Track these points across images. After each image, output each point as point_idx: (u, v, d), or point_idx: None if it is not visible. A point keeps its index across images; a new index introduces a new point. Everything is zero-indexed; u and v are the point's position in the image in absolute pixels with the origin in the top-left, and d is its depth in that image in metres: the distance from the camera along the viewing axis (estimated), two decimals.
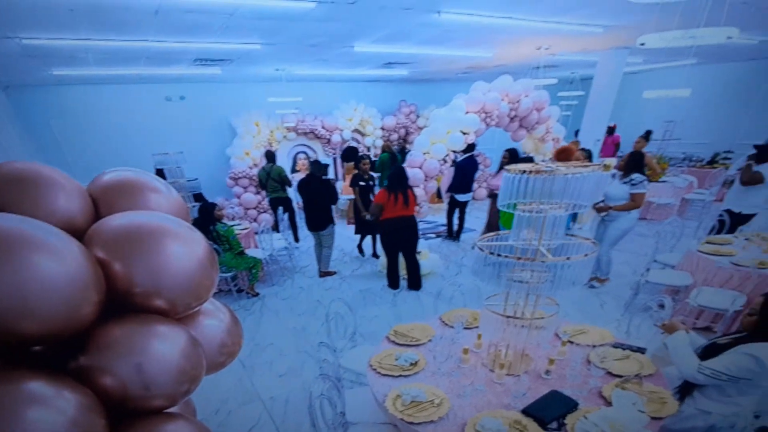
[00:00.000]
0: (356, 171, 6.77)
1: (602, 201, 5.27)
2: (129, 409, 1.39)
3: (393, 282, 6.07)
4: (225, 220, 6.51)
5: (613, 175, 5.92)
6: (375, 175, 10.40)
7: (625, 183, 5.06)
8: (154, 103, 9.66)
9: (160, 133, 9.69)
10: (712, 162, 10.38)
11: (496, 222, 6.34)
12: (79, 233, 1.36)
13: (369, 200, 6.20)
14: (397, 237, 5.69)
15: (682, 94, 6.48)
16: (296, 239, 8.62)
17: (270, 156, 8.28)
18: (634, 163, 5.09)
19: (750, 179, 5.36)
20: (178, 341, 1.45)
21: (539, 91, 6.55)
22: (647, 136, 8.06)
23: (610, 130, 10.23)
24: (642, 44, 4.32)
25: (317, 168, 6.19)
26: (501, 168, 6.36)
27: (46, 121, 8.71)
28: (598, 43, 7.20)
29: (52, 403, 1.13)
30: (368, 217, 6.21)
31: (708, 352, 2.53)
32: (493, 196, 6.49)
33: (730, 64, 11.13)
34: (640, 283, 4.92)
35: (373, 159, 11.46)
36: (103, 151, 9.15)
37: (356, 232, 7.18)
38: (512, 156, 6.14)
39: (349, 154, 7.17)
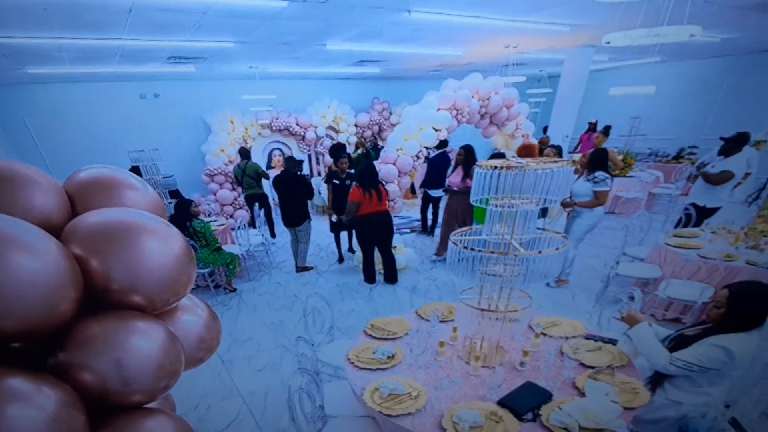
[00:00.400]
0: (335, 168, 6.62)
1: (569, 197, 5.30)
2: (109, 405, 1.40)
3: (369, 276, 6.11)
4: (201, 217, 6.48)
5: (576, 171, 6.00)
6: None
7: (588, 180, 5.07)
8: (128, 101, 9.63)
9: (135, 130, 9.69)
10: (677, 157, 10.62)
11: (453, 218, 6.39)
12: (56, 230, 1.37)
13: (342, 200, 6.13)
14: (372, 232, 5.74)
15: (647, 91, 6.66)
16: (273, 235, 8.61)
17: (244, 153, 8.27)
18: (598, 161, 5.10)
19: (720, 179, 5.41)
20: (157, 337, 1.47)
21: (508, 89, 6.64)
22: (606, 131, 8.03)
23: (592, 127, 10.33)
24: (607, 42, 4.40)
25: (292, 164, 6.20)
26: (457, 165, 6.38)
27: (21, 120, 8.63)
28: (565, 42, 7.35)
29: (33, 400, 1.14)
30: (334, 217, 6.27)
31: (676, 344, 2.58)
32: (448, 191, 6.50)
33: (693, 62, 11.39)
34: (610, 275, 5.02)
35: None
36: (78, 148, 9.11)
37: (331, 230, 7.09)
38: (468, 153, 6.15)
39: (332, 151, 7.07)
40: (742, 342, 2.31)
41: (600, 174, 4.99)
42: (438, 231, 7.88)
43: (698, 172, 5.75)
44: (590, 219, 5.23)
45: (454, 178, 6.34)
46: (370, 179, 5.50)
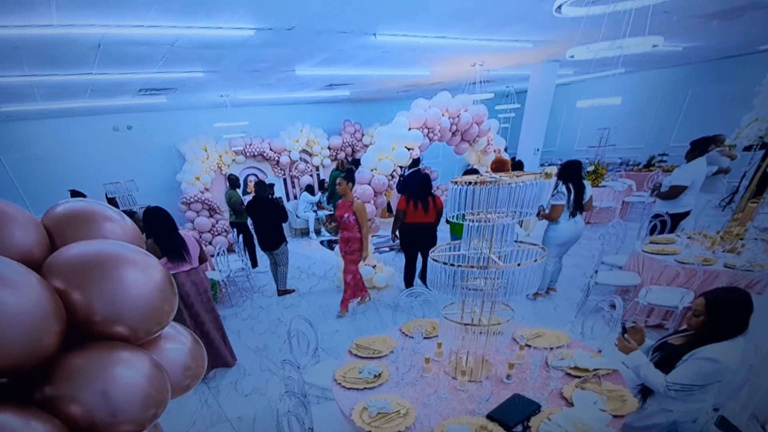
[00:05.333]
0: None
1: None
2: None
3: (408, 281, 6.23)
4: None
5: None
6: (316, 198, 10.45)
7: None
8: (102, 134, 9.76)
9: (110, 162, 9.80)
10: (648, 165, 10.81)
11: None
12: (36, 265, 1.36)
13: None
14: (415, 241, 5.86)
15: (614, 101, 6.82)
16: (254, 264, 8.45)
17: (232, 181, 8.30)
18: (561, 173, 5.06)
19: (672, 194, 5.55)
20: (142, 367, 1.46)
21: (477, 106, 6.74)
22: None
23: None
24: (571, 56, 4.49)
25: (262, 188, 6.24)
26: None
27: None
28: (530, 58, 7.53)
29: None
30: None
31: (664, 354, 2.61)
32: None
33: (657, 71, 11.69)
34: (590, 284, 5.07)
35: (323, 178, 11.63)
36: (55, 182, 9.15)
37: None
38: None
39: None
40: (726, 349, 2.32)
41: (559, 187, 5.00)
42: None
43: (654, 194, 5.92)
44: (552, 231, 5.22)
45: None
46: (417, 190, 5.64)
